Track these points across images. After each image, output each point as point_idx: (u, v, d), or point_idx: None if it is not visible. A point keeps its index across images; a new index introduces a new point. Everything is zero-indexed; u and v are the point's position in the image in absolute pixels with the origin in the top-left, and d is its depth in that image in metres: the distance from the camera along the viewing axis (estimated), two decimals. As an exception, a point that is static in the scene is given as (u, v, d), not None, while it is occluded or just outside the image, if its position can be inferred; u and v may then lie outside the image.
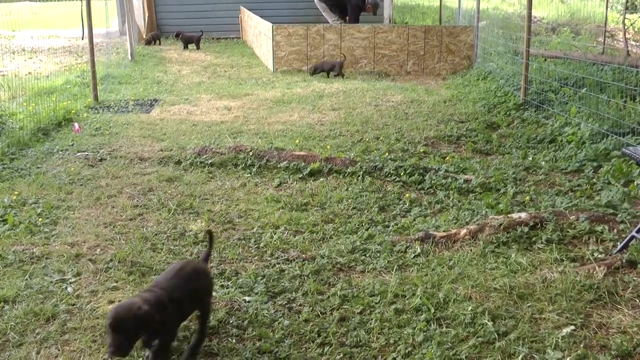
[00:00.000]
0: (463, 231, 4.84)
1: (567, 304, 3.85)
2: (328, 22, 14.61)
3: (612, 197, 5.38)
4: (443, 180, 6.04)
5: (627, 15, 12.56)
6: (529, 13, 8.83)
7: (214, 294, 4.05)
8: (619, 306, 3.86)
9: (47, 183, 6.10)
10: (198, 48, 15.89)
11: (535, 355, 3.38)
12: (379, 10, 17.27)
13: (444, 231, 4.92)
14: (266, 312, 3.86)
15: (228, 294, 4.07)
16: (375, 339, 3.60)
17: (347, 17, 15.35)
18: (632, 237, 4.43)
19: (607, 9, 13.78)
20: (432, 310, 3.81)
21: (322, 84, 11.18)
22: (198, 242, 4.89)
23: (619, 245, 4.49)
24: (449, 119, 8.48)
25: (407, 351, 3.46)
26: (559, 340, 3.49)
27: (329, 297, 4.05)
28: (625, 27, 12.16)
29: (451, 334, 3.58)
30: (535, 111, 8.46)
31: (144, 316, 3.01)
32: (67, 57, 14.77)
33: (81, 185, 6.11)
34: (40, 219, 5.23)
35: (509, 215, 5.01)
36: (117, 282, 4.24)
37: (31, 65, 13.21)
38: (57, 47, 16.42)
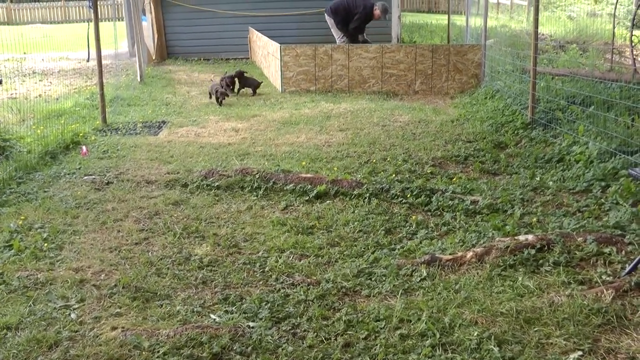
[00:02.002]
0: (469, 254, 4.81)
1: (575, 328, 3.80)
2: (335, 43, 14.58)
3: (620, 217, 5.33)
4: (450, 202, 6.01)
5: (635, 32, 12.51)
6: (536, 31, 8.82)
7: (217, 319, 4.04)
8: (627, 330, 3.80)
9: (53, 207, 6.12)
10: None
11: (541, 382, 3.34)
12: (387, 29, 17.31)
13: (450, 254, 4.89)
14: (270, 338, 3.83)
15: (232, 319, 4.04)
16: (379, 365, 3.56)
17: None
18: (641, 259, 4.38)
19: (614, 26, 13.75)
20: (438, 336, 3.77)
21: (329, 104, 11.20)
22: (203, 266, 4.88)
23: (628, 268, 4.43)
24: (457, 138, 8.46)
25: (411, 378, 3.42)
26: (566, 367, 3.44)
27: (333, 322, 4.02)
28: (633, 44, 12.12)
29: (456, 360, 3.55)
30: (543, 130, 8.43)
31: None
32: (77, 79, 14.88)
33: (87, 209, 6.12)
34: (45, 244, 5.24)
35: (516, 238, 4.96)
36: (120, 307, 4.23)
37: (41, 88, 13.31)
38: (67, 69, 16.55)
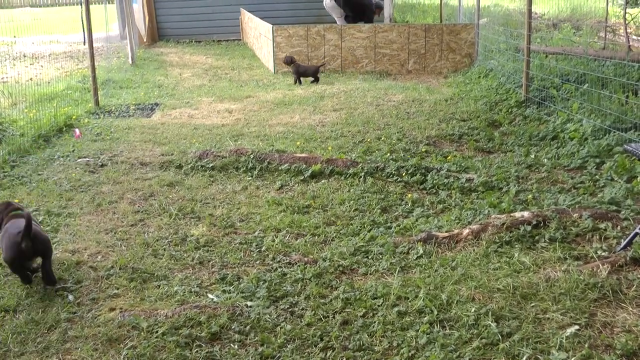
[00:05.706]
0: (465, 231, 4.81)
1: (571, 303, 3.81)
2: (328, 23, 14.51)
3: (615, 193, 5.35)
4: (445, 180, 6.02)
5: (628, 10, 12.50)
6: (529, 9, 8.79)
7: (215, 299, 4.04)
8: (623, 305, 3.82)
9: (48, 190, 6.09)
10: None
11: (539, 356, 3.35)
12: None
13: (446, 231, 4.90)
14: (268, 316, 3.84)
15: (230, 299, 4.05)
16: (378, 342, 3.57)
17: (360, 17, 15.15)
18: (636, 234, 4.39)
19: (607, 4, 13.73)
20: (435, 312, 3.78)
21: (323, 85, 11.16)
22: (199, 247, 4.87)
23: (623, 243, 4.45)
24: (451, 117, 8.45)
25: (410, 354, 3.43)
26: (564, 341, 3.46)
27: (331, 300, 4.02)
28: (626, 22, 12.11)
29: (454, 336, 3.56)
30: (537, 108, 8.43)
31: None
32: (68, 63, 14.78)
33: (82, 191, 6.10)
34: (41, 227, 5.21)
35: (512, 214, 4.97)
36: (118, 289, 4.22)
37: (32, 71, 13.20)
38: (58, 52, 16.42)
